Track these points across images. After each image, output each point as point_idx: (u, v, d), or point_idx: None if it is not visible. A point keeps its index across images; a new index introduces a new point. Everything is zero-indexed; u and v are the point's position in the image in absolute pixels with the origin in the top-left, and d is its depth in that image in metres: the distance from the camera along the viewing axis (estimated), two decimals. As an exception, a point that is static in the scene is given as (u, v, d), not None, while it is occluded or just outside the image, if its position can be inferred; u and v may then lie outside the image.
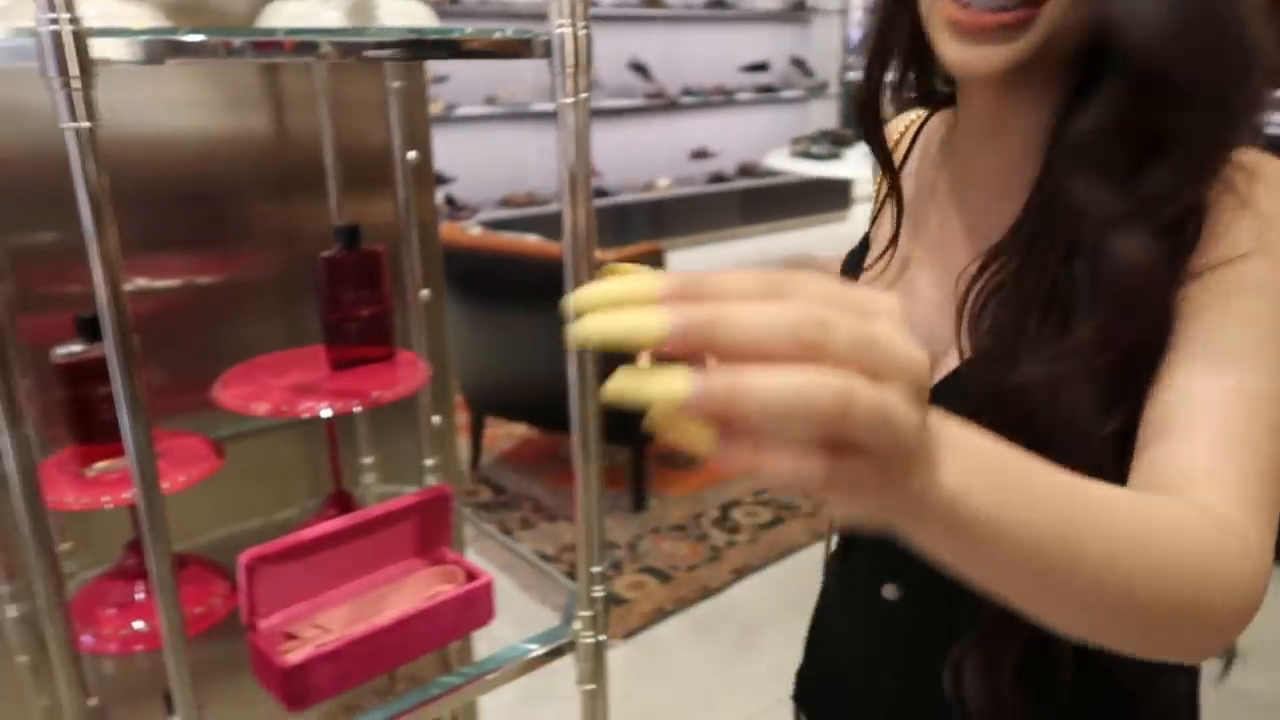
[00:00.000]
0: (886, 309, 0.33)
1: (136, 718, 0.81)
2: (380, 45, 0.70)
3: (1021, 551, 0.40)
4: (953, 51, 0.61)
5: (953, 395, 0.58)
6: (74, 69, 0.49)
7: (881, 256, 0.77)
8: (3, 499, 0.83)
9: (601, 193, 6.12)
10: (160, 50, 0.57)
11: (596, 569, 0.86)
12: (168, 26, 0.76)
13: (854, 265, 0.84)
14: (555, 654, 0.89)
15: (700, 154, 6.84)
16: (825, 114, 7.19)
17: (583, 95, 0.72)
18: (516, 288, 2.92)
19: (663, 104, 6.44)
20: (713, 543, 2.94)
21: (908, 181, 0.79)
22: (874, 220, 0.83)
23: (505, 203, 5.85)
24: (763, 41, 6.99)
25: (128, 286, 0.55)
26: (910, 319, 0.58)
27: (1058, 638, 0.48)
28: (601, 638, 0.88)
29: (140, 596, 0.86)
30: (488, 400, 3.23)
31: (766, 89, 6.96)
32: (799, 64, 7.16)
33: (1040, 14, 0.58)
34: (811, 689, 0.92)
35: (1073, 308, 0.59)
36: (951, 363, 0.67)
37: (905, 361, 0.32)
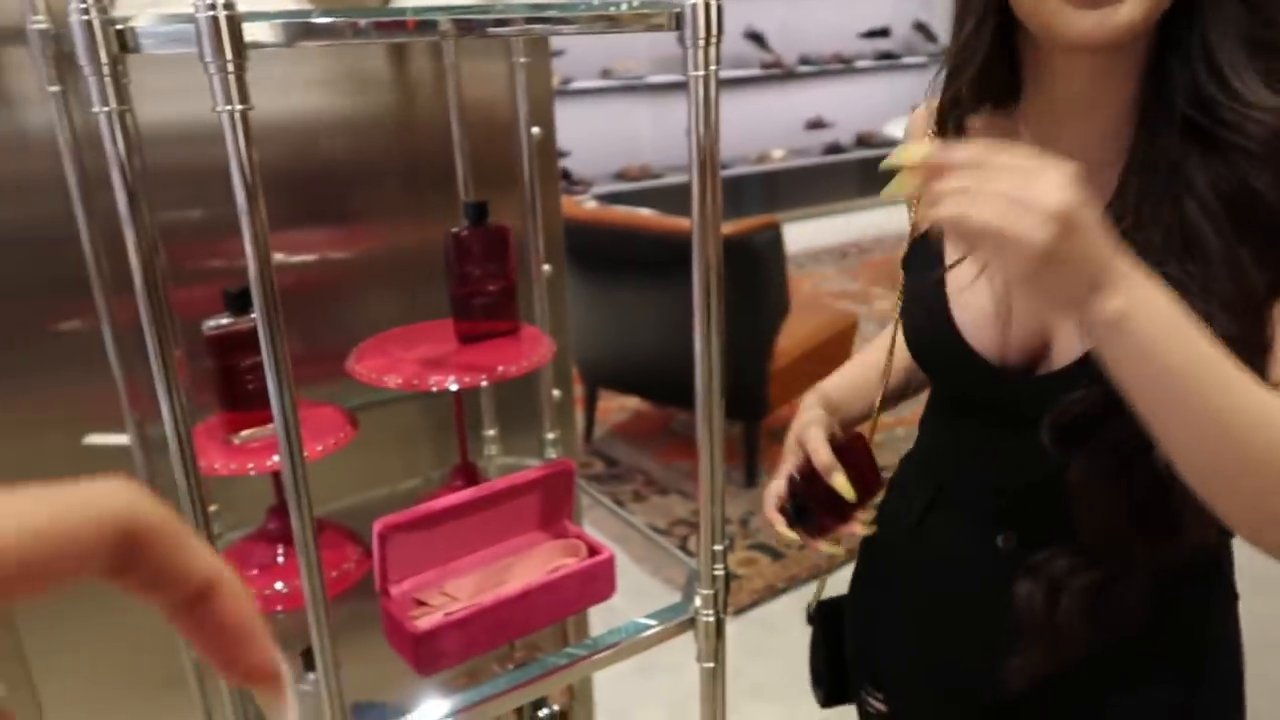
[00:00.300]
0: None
1: (278, 672, 0.85)
2: (501, 22, 0.70)
3: (1171, 379, 0.56)
4: (1076, 21, 0.65)
5: (1091, 370, 0.64)
6: (229, 53, 0.50)
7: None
8: (156, 463, 0.89)
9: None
10: (294, 32, 0.58)
11: (718, 547, 0.85)
12: (303, 9, 0.78)
13: (925, 262, 0.84)
14: (675, 631, 0.89)
15: (816, 124, 6.69)
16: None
17: (713, 68, 0.71)
18: (633, 262, 2.93)
19: (779, 74, 6.32)
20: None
21: None
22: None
23: (620, 176, 5.86)
24: (884, 6, 6.77)
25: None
26: (1017, 301, 0.72)
27: (1133, 578, 0.69)
28: (722, 615, 0.88)
29: (281, 559, 0.90)
30: (601, 373, 3.26)
31: (887, 55, 6.75)
32: (922, 28, 6.90)
33: None
34: (879, 665, 0.96)
35: (1202, 252, 0.66)
36: (1078, 341, 0.72)
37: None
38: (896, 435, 2.03)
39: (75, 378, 0.95)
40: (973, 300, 0.79)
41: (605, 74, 5.71)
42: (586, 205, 3.40)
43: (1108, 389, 0.60)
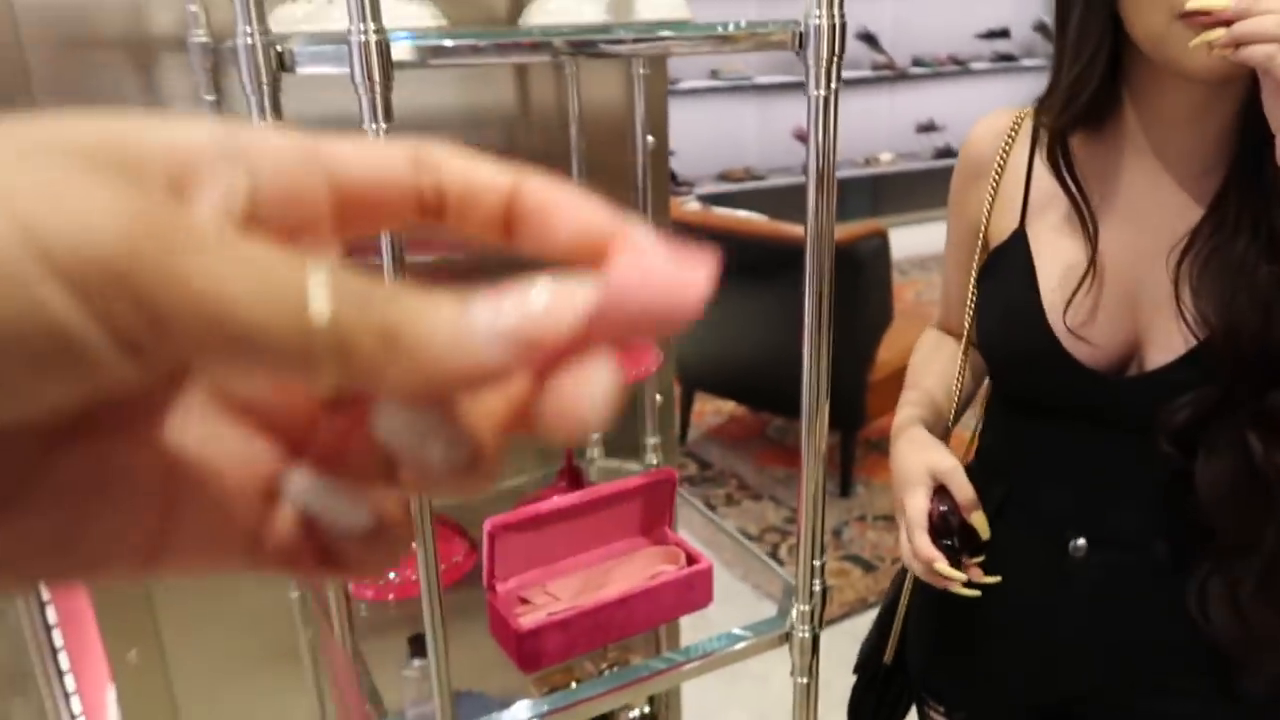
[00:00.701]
0: None
1: (381, 655, 0.89)
2: (615, 41, 0.72)
3: None
4: (1200, 59, 0.68)
5: (1194, 368, 0.71)
6: (377, 74, 0.53)
7: (1088, 270, 0.80)
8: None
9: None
10: (424, 53, 0.61)
11: (817, 561, 0.85)
12: (431, 29, 0.81)
13: (1010, 271, 0.84)
14: (770, 644, 0.89)
15: (927, 127, 6.53)
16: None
17: (835, 86, 0.71)
18: (736, 265, 2.92)
19: (891, 75, 6.19)
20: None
21: (1044, 181, 0.84)
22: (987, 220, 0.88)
23: (723, 177, 5.85)
24: (1004, 7, 6.56)
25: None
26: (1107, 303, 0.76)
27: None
28: (818, 631, 0.88)
29: (394, 549, 0.94)
30: (699, 375, 3.27)
31: (1005, 57, 6.54)
32: (1043, 29, 6.67)
33: None
34: (946, 673, 0.97)
35: None
36: (1178, 340, 0.75)
37: None
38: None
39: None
40: (1064, 304, 0.81)
41: (713, 74, 5.70)
42: (690, 207, 3.41)
43: (1214, 387, 0.67)
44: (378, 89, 0.53)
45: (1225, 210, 0.75)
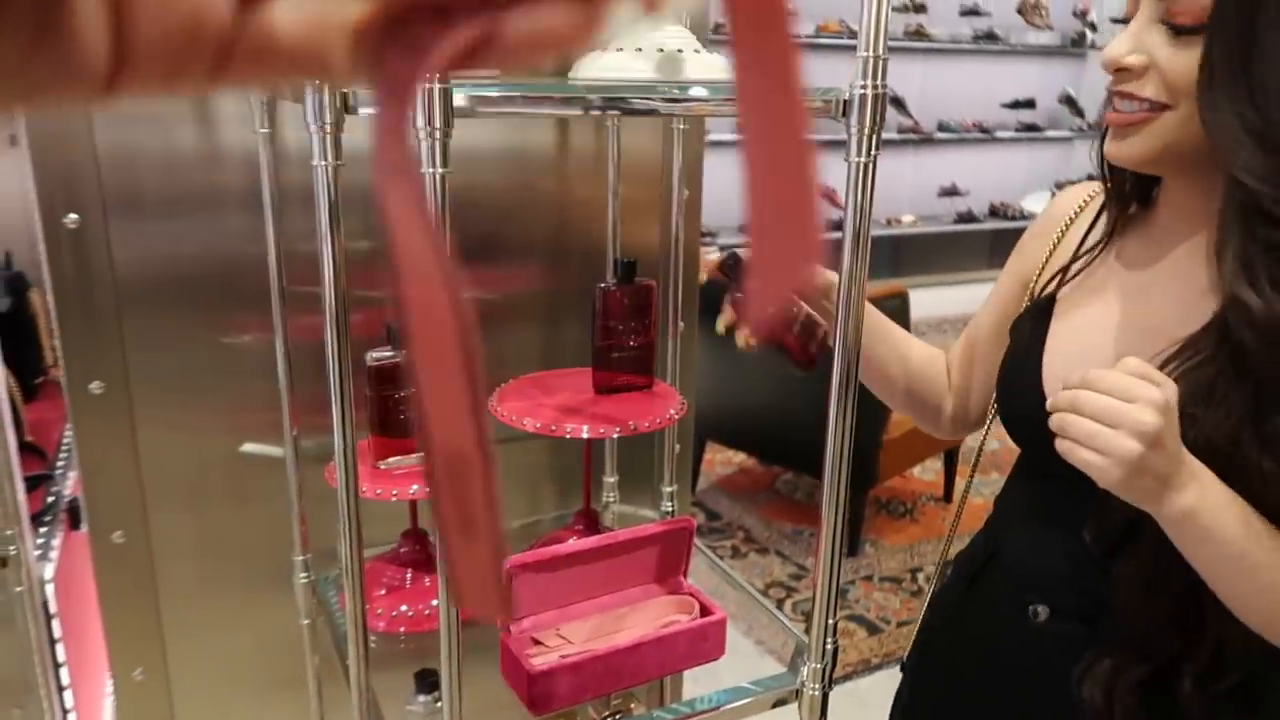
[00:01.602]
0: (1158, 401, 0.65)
1: (386, 689, 0.89)
2: (649, 99, 0.74)
3: (1223, 553, 0.68)
4: (1107, 145, 0.77)
5: None
6: (438, 120, 0.55)
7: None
8: (309, 478, 0.95)
9: (841, 226, 6.04)
10: (473, 103, 0.63)
11: (831, 620, 0.85)
12: (485, 79, 0.83)
13: (1031, 325, 0.87)
14: (778, 700, 0.89)
15: (950, 191, 6.59)
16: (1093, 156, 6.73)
17: (875, 154, 0.72)
18: (754, 317, 2.94)
19: (916, 139, 6.26)
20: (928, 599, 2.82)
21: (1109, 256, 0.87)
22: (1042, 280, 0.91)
23: (745, 228, 5.89)
24: (1031, 77, 6.64)
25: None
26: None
27: (1187, 668, 0.75)
28: (828, 690, 0.88)
29: (409, 582, 0.94)
30: (711, 425, 3.27)
31: (1030, 127, 6.61)
32: (1070, 102, 6.74)
33: (1155, 121, 0.73)
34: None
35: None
36: None
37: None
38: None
39: (239, 388, 1.02)
40: (1060, 364, 0.83)
41: (741, 127, 5.77)
42: (711, 258, 3.43)
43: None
44: (438, 134, 0.55)
45: (1204, 343, 0.74)
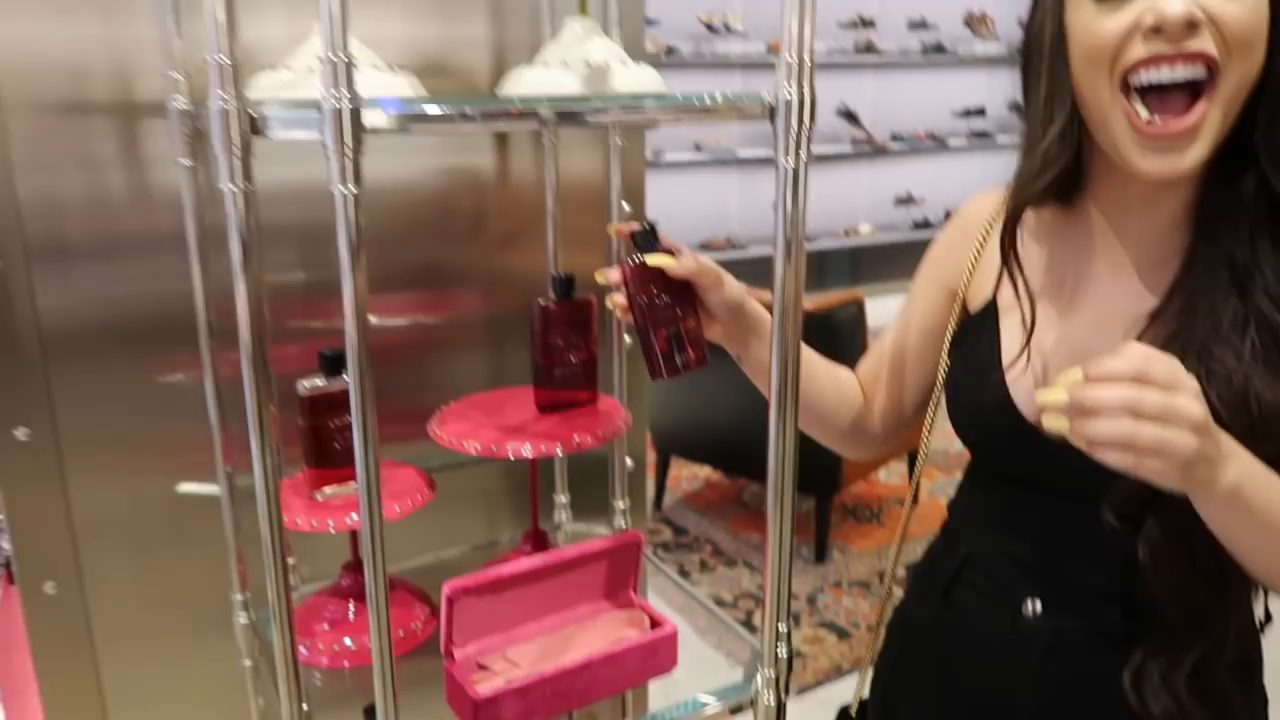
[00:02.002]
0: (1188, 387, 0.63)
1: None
2: (599, 111, 0.74)
3: (1265, 523, 0.68)
4: (1144, 162, 0.72)
5: None
6: (349, 140, 0.54)
7: (1024, 351, 0.83)
8: (244, 514, 0.93)
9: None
10: (407, 120, 0.62)
11: (783, 627, 0.85)
12: (416, 97, 0.82)
13: (977, 338, 0.87)
14: (734, 711, 0.88)
15: (905, 200, 6.67)
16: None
17: (804, 158, 0.72)
18: (711, 331, 2.95)
19: (870, 150, 6.34)
20: (897, 603, 2.83)
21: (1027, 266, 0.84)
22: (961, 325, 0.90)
23: (705, 247, 5.92)
24: (979, 86, 6.76)
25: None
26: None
27: (1226, 643, 0.76)
28: (783, 698, 0.87)
29: (352, 616, 0.92)
30: (674, 440, 3.26)
31: (981, 135, 6.72)
32: (1018, 109, 6.84)
33: (1207, 120, 0.69)
34: None
35: (1273, 335, 0.71)
36: None
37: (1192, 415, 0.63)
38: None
39: (174, 427, 1.00)
40: (1024, 372, 0.82)
41: (696, 148, 5.81)
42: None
43: None
44: (348, 153, 0.54)
45: (1180, 302, 0.75)
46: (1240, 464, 0.66)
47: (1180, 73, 0.68)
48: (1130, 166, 0.73)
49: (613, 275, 0.84)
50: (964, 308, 0.91)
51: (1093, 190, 0.82)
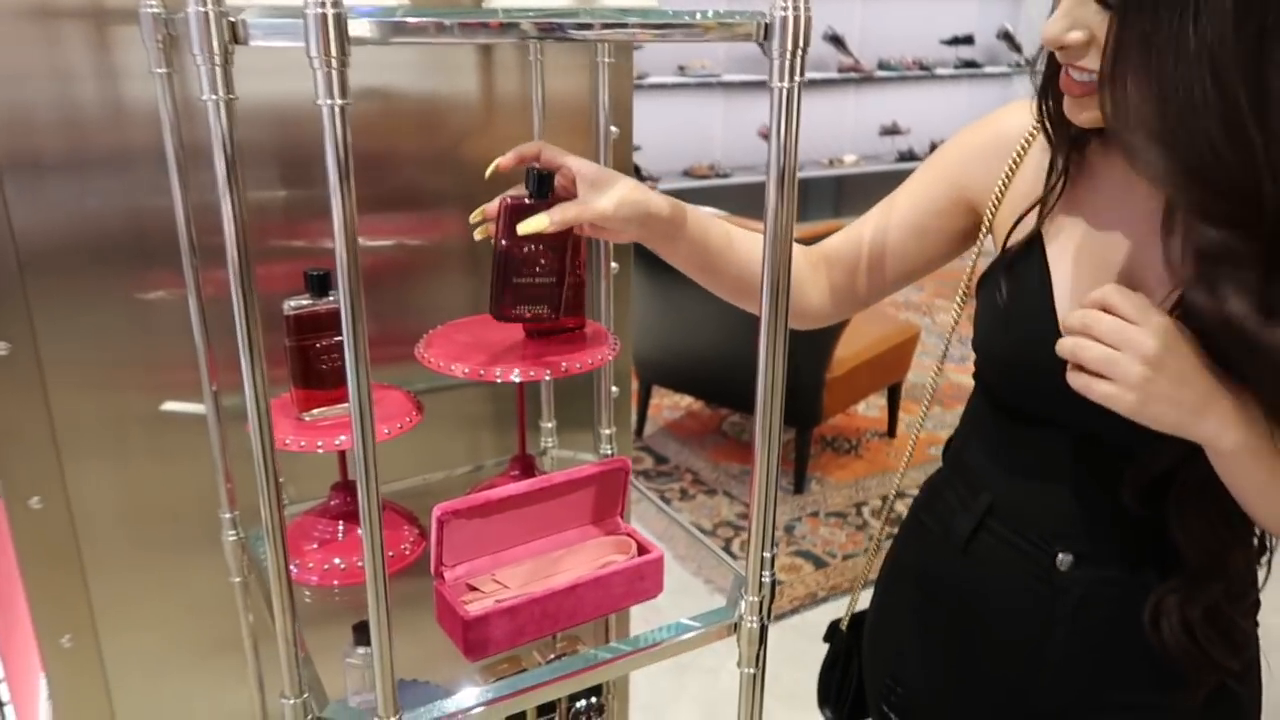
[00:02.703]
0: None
1: (325, 644, 0.88)
2: (583, 26, 0.71)
3: (1263, 483, 0.72)
4: (1068, 108, 0.77)
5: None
6: (334, 49, 0.52)
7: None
8: (231, 434, 0.92)
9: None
10: (389, 30, 0.60)
11: (767, 554, 0.86)
12: (398, 5, 0.79)
13: (1023, 280, 0.84)
14: (718, 634, 0.90)
15: (891, 130, 6.60)
16: (1031, 91, 6.78)
17: (799, 80, 0.71)
18: (695, 260, 2.93)
19: (856, 77, 6.25)
20: (872, 533, 2.88)
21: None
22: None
23: (688, 173, 5.86)
24: (969, 14, 6.65)
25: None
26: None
27: (1239, 583, 0.81)
28: (766, 622, 0.89)
29: (341, 535, 0.93)
30: (657, 370, 3.27)
31: (969, 64, 6.63)
32: (1007, 38, 6.77)
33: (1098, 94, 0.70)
34: (906, 689, 0.98)
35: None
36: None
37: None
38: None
39: (157, 345, 0.99)
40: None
41: (681, 70, 5.70)
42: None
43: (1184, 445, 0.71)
44: (334, 64, 0.52)
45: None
46: (1250, 426, 0.70)
47: (1079, 75, 0.73)
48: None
49: (490, 209, 0.85)
50: (994, 235, 0.88)
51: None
